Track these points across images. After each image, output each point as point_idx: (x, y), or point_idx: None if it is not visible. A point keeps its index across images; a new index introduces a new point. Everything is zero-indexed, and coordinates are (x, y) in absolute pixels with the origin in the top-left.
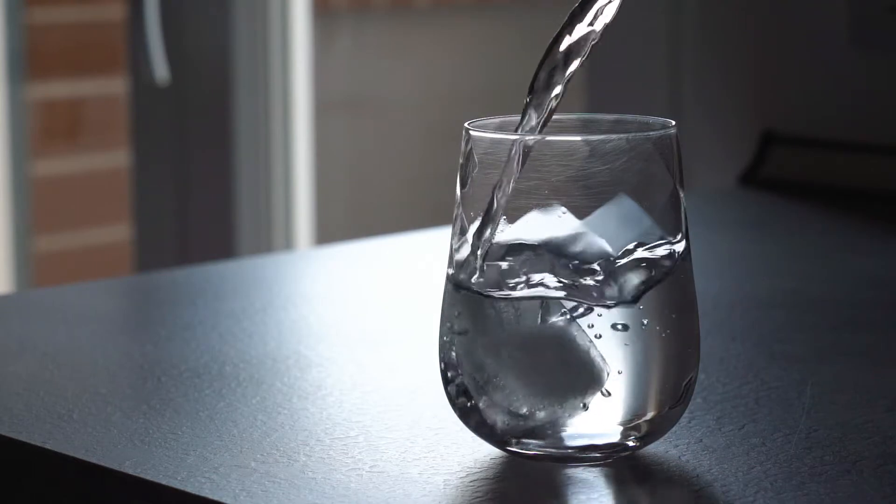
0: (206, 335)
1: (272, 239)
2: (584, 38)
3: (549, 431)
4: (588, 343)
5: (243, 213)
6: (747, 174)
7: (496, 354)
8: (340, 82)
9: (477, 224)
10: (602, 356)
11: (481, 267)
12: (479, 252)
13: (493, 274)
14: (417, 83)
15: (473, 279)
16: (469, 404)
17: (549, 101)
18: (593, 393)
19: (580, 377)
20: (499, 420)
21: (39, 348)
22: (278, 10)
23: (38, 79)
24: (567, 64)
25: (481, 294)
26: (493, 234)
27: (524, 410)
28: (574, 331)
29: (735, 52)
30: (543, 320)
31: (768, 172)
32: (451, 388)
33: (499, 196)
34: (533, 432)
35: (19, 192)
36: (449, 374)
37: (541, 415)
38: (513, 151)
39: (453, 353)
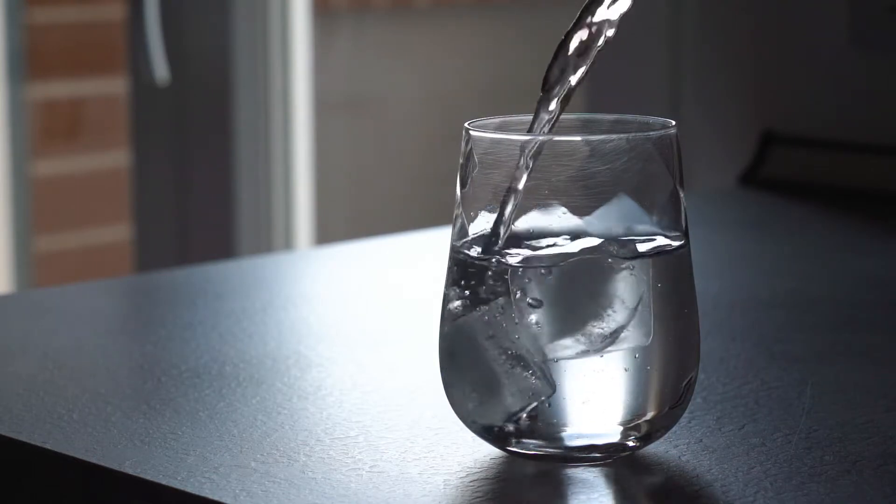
0: (206, 335)
1: (272, 239)
2: (598, 31)
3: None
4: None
5: (243, 213)
6: (747, 174)
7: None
8: (340, 82)
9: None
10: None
11: (501, 242)
12: (501, 230)
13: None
14: (417, 83)
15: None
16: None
17: (565, 92)
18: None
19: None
20: (567, 349)
21: (39, 348)
22: (278, 10)
23: (38, 79)
24: (583, 56)
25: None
26: (511, 216)
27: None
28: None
29: (735, 52)
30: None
31: (768, 172)
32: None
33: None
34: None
35: (19, 192)
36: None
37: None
38: (528, 149)
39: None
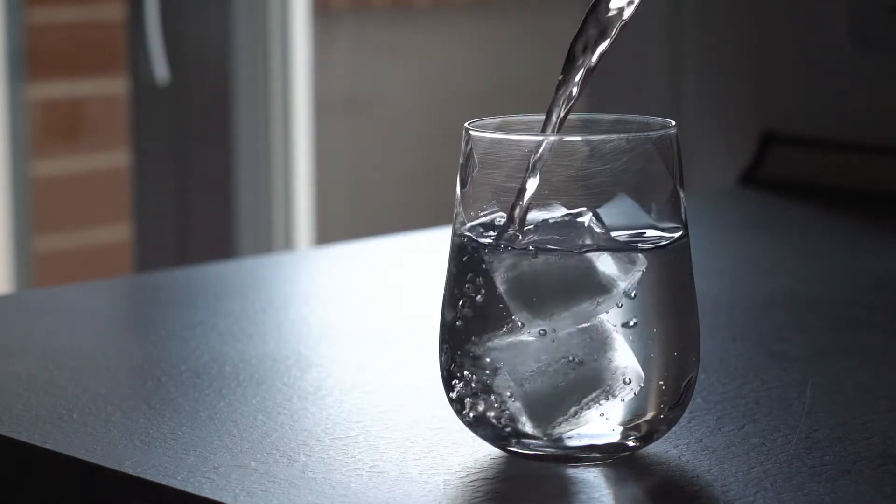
0: (206, 335)
1: (272, 239)
2: (616, 15)
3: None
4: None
5: (243, 213)
6: (747, 174)
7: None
8: (340, 82)
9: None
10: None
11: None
12: (515, 217)
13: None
14: (417, 83)
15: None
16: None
17: (583, 75)
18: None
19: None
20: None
21: (39, 348)
22: (278, 10)
23: (38, 79)
24: (600, 39)
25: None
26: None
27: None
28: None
29: (735, 52)
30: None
31: (768, 172)
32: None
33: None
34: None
35: (19, 192)
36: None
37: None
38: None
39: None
